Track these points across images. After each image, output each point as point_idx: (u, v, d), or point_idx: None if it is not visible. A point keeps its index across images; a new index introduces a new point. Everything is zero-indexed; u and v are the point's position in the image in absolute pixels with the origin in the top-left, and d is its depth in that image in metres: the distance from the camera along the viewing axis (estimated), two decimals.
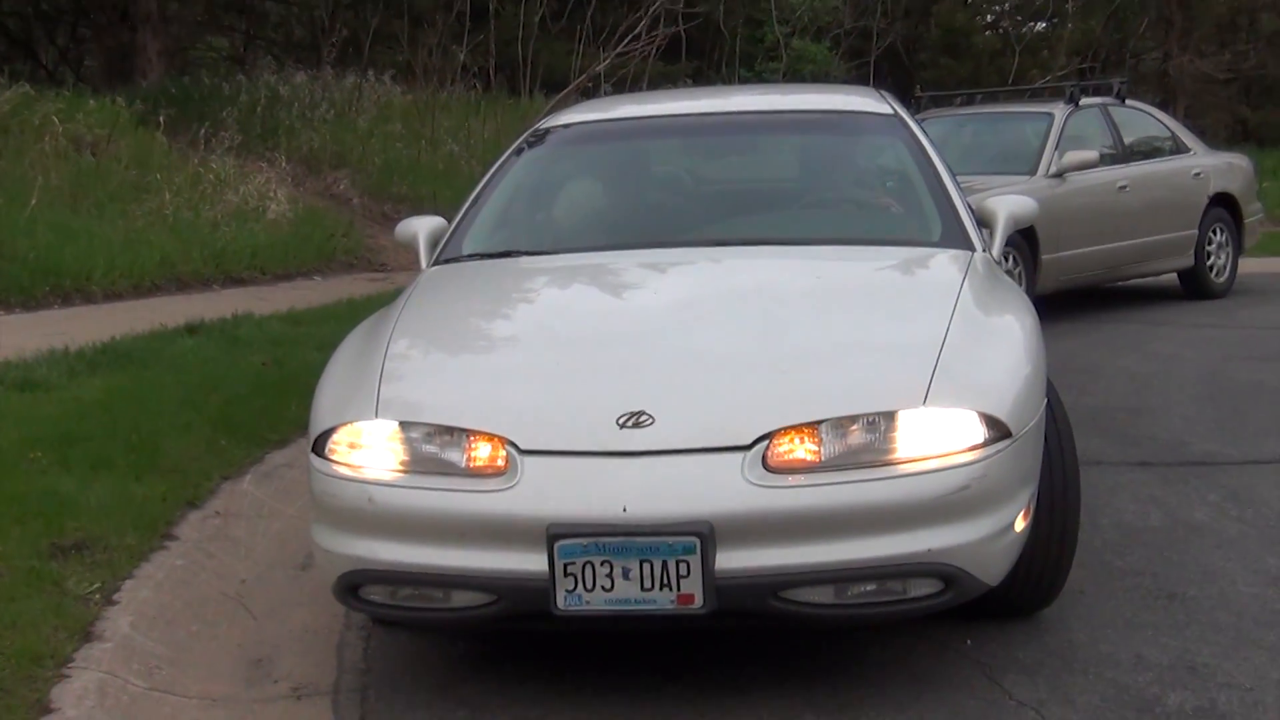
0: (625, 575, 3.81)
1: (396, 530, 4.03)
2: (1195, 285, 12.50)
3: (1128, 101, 12.73)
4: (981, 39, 29.61)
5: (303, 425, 7.00)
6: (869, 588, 3.90)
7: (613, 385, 4.15)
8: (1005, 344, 4.47)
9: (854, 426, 3.93)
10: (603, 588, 3.82)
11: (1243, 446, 6.91)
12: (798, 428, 3.92)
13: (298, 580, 5.32)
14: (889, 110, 6.22)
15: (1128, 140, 12.21)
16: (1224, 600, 4.80)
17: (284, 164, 16.27)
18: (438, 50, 19.93)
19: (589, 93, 19.30)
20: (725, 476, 3.85)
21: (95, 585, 4.98)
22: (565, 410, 4.10)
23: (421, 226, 5.94)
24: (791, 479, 3.86)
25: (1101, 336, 10.61)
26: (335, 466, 4.16)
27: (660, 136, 6.46)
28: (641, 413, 3.97)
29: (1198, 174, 12.42)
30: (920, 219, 5.58)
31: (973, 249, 5.26)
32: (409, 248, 6.00)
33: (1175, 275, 12.60)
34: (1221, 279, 12.64)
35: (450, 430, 4.08)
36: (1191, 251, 12.27)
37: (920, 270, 5.15)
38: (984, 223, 5.61)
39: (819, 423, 3.92)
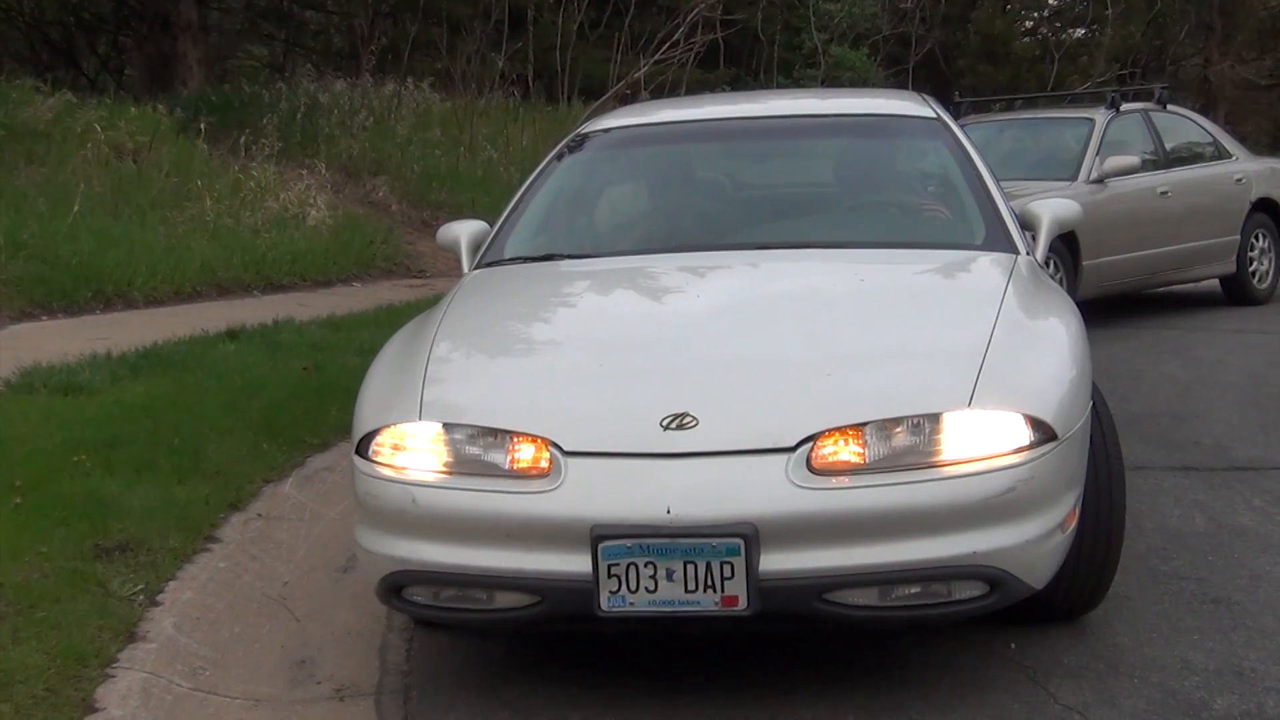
0: (669, 577, 3.81)
1: (440, 531, 4.04)
2: (1237, 291, 12.42)
3: (1169, 107, 12.66)
4: (1020, 45, 29.51)
5: (344, 429, 7.05)
6: (913, 590, 3.89)
7: (656, 388, 4.15)
8: (1050, 347, 4.44)
9: (898, 429, 3.91)
10: (646, 589, 3.82)
11: None
12: (842, 430, 3.90)
13: (340, 582, 5.34)
14: (931, 114, 6.20)
15: (1169, 146, 12.14)
16: (1270, 605, 4.76)
17: (324, 171, 16.33)
18: (476, 58, 19.99)
19: (627, 100, 19.29)
20: (769, 478, 3.84)
21: (139, 586, 5.01)
22: (609, 412, 4.10)
23: (463, 231, 5.93)
24: (835, 481, 3.84)
25: (1143, 342, 10.55)
26: (379, 468, 4.17)
27: (701, 140, 6.43)
28: (685, 414, 3.96)
29: (1239, 180, 12.35)
30: (964, 222, 5.56)
31: (1017, 252, 5.22)
32: (451, 251, 6.01)
33: (1217, 281, 12.54)
34: (1264, 285, 12.55)
35: (494, 432, 4.09)
36: (1233, 257, 12.19)
37: (964, 274, 5.13)
38: (1027, 226, 5.58)
39: (863, 425, 3.90)
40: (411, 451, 4.15)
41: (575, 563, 3.86)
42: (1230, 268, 12.23)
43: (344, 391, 7.55)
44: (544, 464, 3.99)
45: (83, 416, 7.04)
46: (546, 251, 5.62)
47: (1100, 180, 11.06)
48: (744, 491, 3.83)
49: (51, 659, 4.34)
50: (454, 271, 14.06)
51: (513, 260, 5.56)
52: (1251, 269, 12.44)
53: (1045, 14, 32.01)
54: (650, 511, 3.82)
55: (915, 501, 3.83)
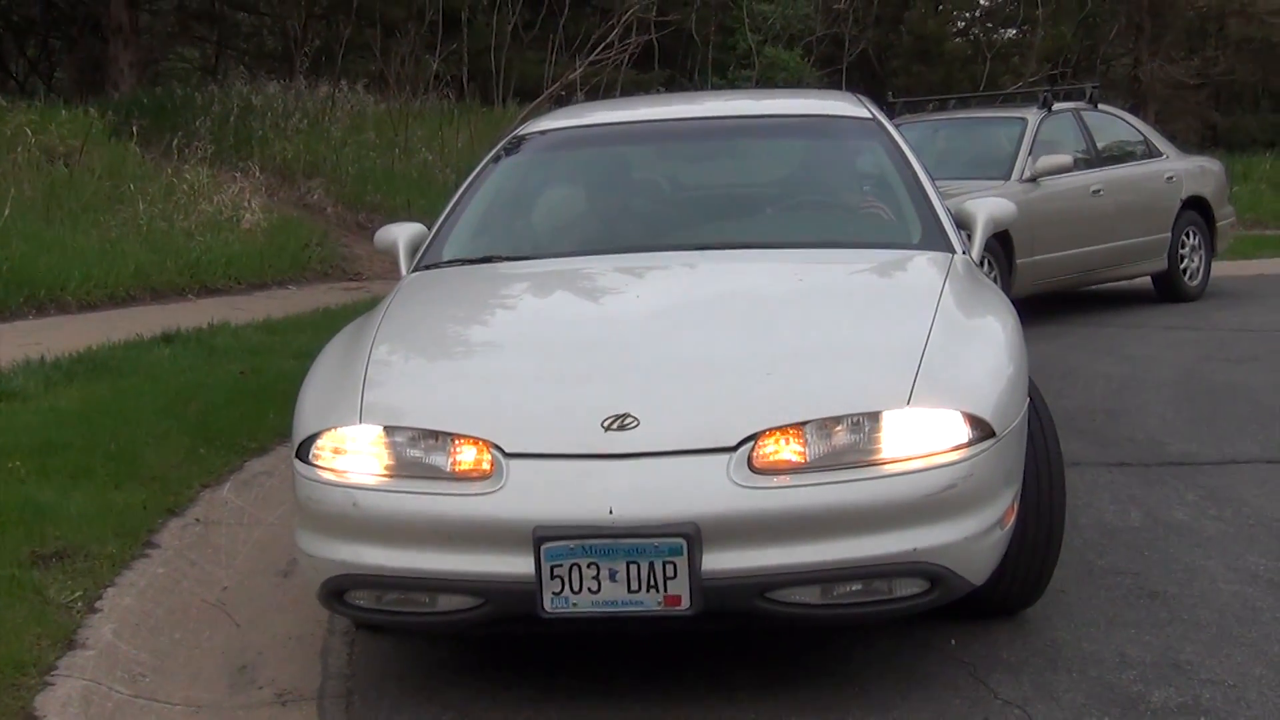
0: (612, 577, 3.81)
1: (381, 534, 4.03)
2: (1169, 288, 12.57)
3: (1100, 106, 12.78)
4: (952, 45, 29.74)
5: (282, 433, 7.03)
6: (855, 588, 3.90)
7: (596, 388, 4.14)
8: (987, 344, 4.48)
9: (839, 427, 3.93)
10: (589, 590, 3.82)
11: (1219, 447, 6.94)
12: (783, 429, 3.92)
13: (280, 587, 5.31)
14: (867, 114, 6.22)
15: (1100, 145, 12.26)
16: (1205, 598, 4.82)
17: (258, 174, 16.24)
18: (410, 59, 19.93)
19: (562, 101, 19.30)
20: (711, 478, 3.85)
21: (77, 593, 4.96)
22: (550, 414, 4.09)
23: (401, 233, 5.92)
24: (777, 480, 3.85)
25: (1077, 340, 10.65)
26: (319, 472, 4.15)
27: (638, 142, 6.41)
28: (626, 415, 3.97)
29: (1170, 178, 12.48)
30: (900, 222, 5.58)
31: (953, 251, 5.26)
32: (388, 254, 5.99)
33: (1149, 279, 12.67)
34: (1195, 282, 12.70)
35: (435, 434, 4.07)
36: (1165, 255, 12.34)
37: (900, 273, 5.16)
38: (963, 226, 5.62)
39: (804, 424, 3.92)
40: (352, 455, 4.13)
41: (518, 564, 3.86)
42: (1162, 265, 12.37)
43: (281, 395, 7.53)
44: (486, 466, 3.98)
45: (17, 423, 6.97)
46: (485, 254, 5.61)
47: (1033, 179, 11.16)
48: (686, 491, 3.83)
49: None
50: (391, 274, 14.04)
51: (451, 263, 5.55)
52: (1183, 266, 12.59)
53: (977, 14, 32.25)
54: (592, 512, 3.82)
55: (856, 499, 3.84)
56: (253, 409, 7.47)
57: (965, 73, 27.26)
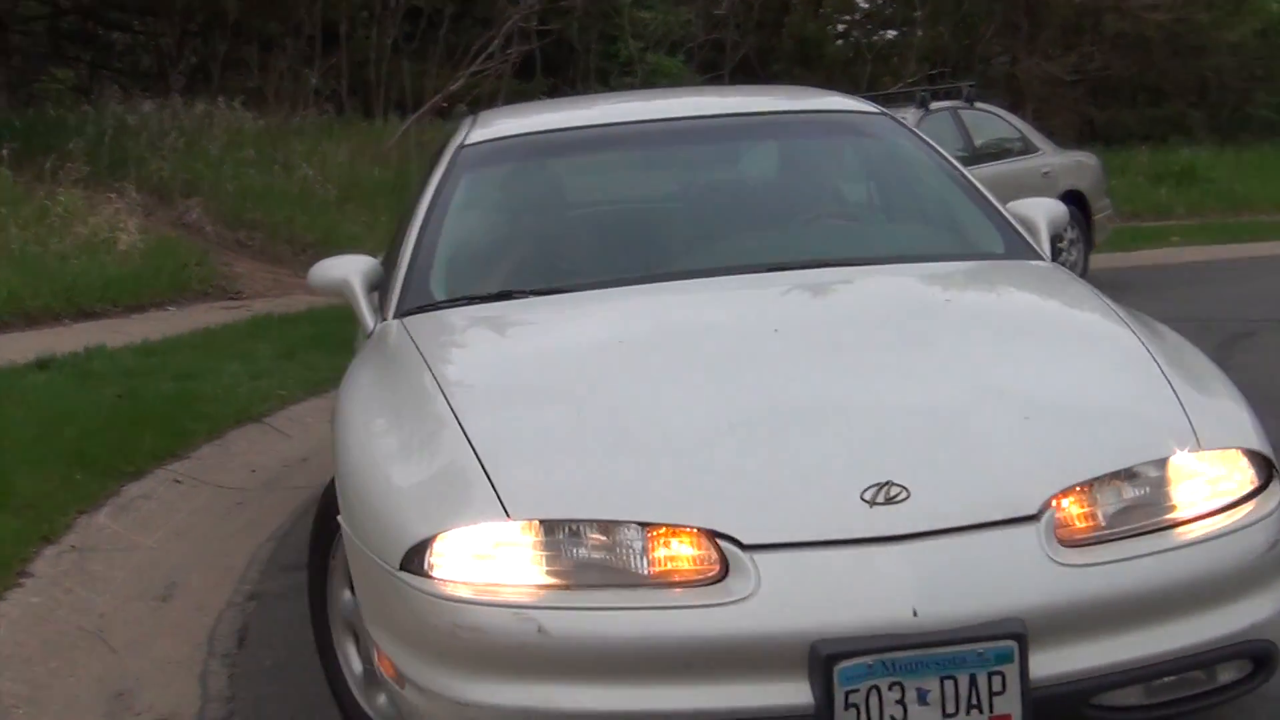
0: (922, 699, 3.00)
1: (581, 667, 3.09)
2: None
3: (977, 104, 12.93)
4: (833, 48, 29.96)
5: (159, 456, 6.91)
6: (1174, 680, 3.22)
7: (831, 451, 3.29)
8: (1202, 363, 3.86)
9: (1126, 480, 3.26)
10: (892, 717, 3.01)
11: None
12: (1079, 488, 3.21)
13: (158, 611, 5.21)
14: (874, 109, 5.57)
15: (978, 142, 12.41)
16: None
17: (134, 194, 15.95)
18: (289, 74, 19.74)
19: (444, 113, 19.26)
20: (1026, 558, 3.08)
21: None
22: (787, 488, 3.20)
23: (351, 269, 4.79)
24: (1089, 554, 3.14)
25: None
26: (458, 588, 3.16)
27: (635, 146, 5.46)
28: (889, 484, 3.16)
29: (1047, 173, 12.65)
30: (975, 228, 4.89)
31: (1044, 259, 4.69)
32: (332, 294, 4.92)
33: None
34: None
35: (620, 526, 3.17)
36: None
37: (1045, 288, 4.52)
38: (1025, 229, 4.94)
39: (1092, 481, 3.23)
40: (503, 562, 3.18)
41: (786, 693, 3.01)
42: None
43: (160, 418, 7.41)
44: (713, 565, 3.10)
45: None
46: (499, 289, 4.53)
47: None
48: (1003, 578, 3.06)
49: None
50: (272, 291, 13.86)
51: (453, 302, 4.49)
52: (1061, 259, 12.70)
53: (857, 17, 32.52)
54: (890, 615, 2.98)
55: (1181, 572, 3.16)
56: (130, 433, 7.32)
57: (846, 75, 27.44)
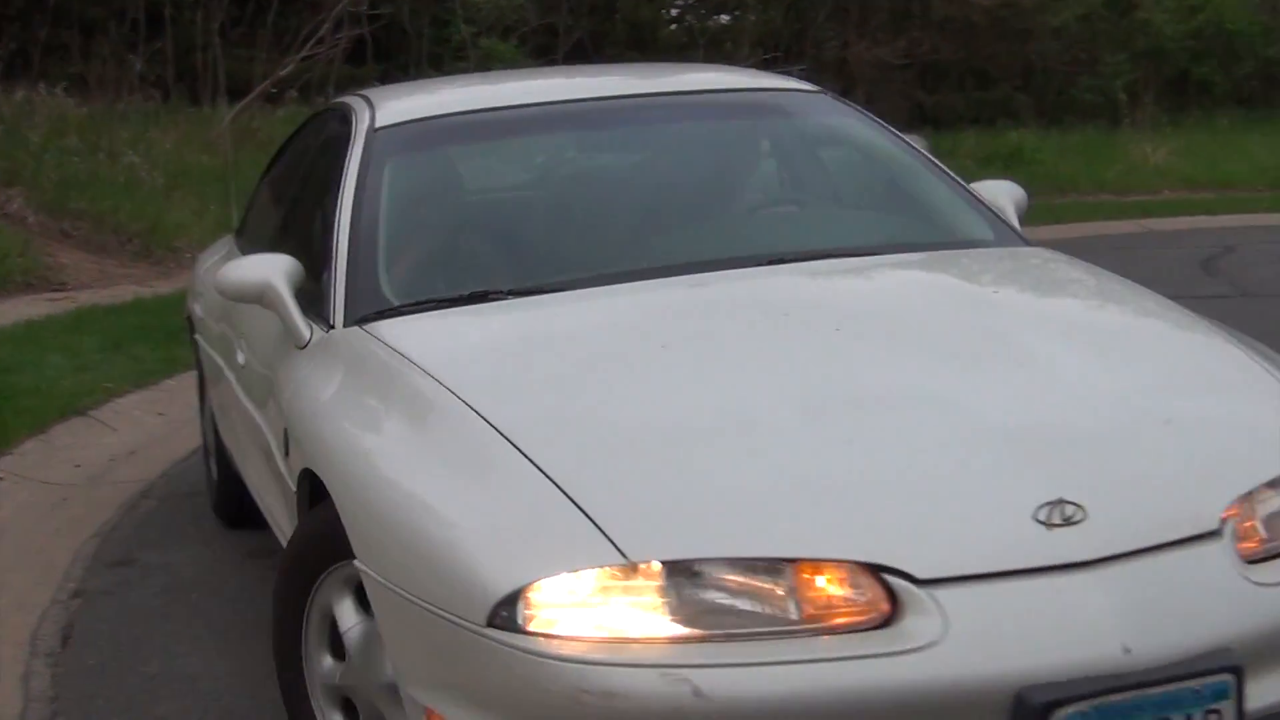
0: None
1: None
2: None
3: None
4: (667, 33, 30.03)
5: None
6: None
7: (984, 466, 2.93)
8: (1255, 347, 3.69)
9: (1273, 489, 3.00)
10: None
11: None
12: (1245, 498, 2.95)
13: None
14: (812, 87, 5.32)
15: None
16: None
17: None
18: (112, 60, 19.29)
19: (274, 99, 18.97)
20: (1222, 578, 2.81)
21: None
22: (950, 510, 2.82)
23: (274, 271, 4.15)
24: (1273, 570, 2.89)
25: None
26: (566, 645, 2.67)
27: (581, 127, 4.98)
28: (1061, 502, 2.81)
29: None
30: (959, 214, 4.65)
31: (1030, 244, 4.53)
32: (245, 300, 4.25)
33: None
34: None
35: (769, 564, 2.72)
36: None
37: (1070, 274, 4.35)
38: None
39: (1256, 489, 2.97)
40: (621, 612, 2.71)
41: None
42: None
43: None
44: (881, 603, 2.70)
45: None
46: (471, 289, 4.00)
47: None
48: (1206, 603, 2.77)
49: None
50: (98, 283, 13.51)
51: (417, 307, 3.94)
52: None
53: (690, 1, 32.65)
54: (1100, 653, 2.65)
55: None
56: None
57: (681, 59, 27.54)
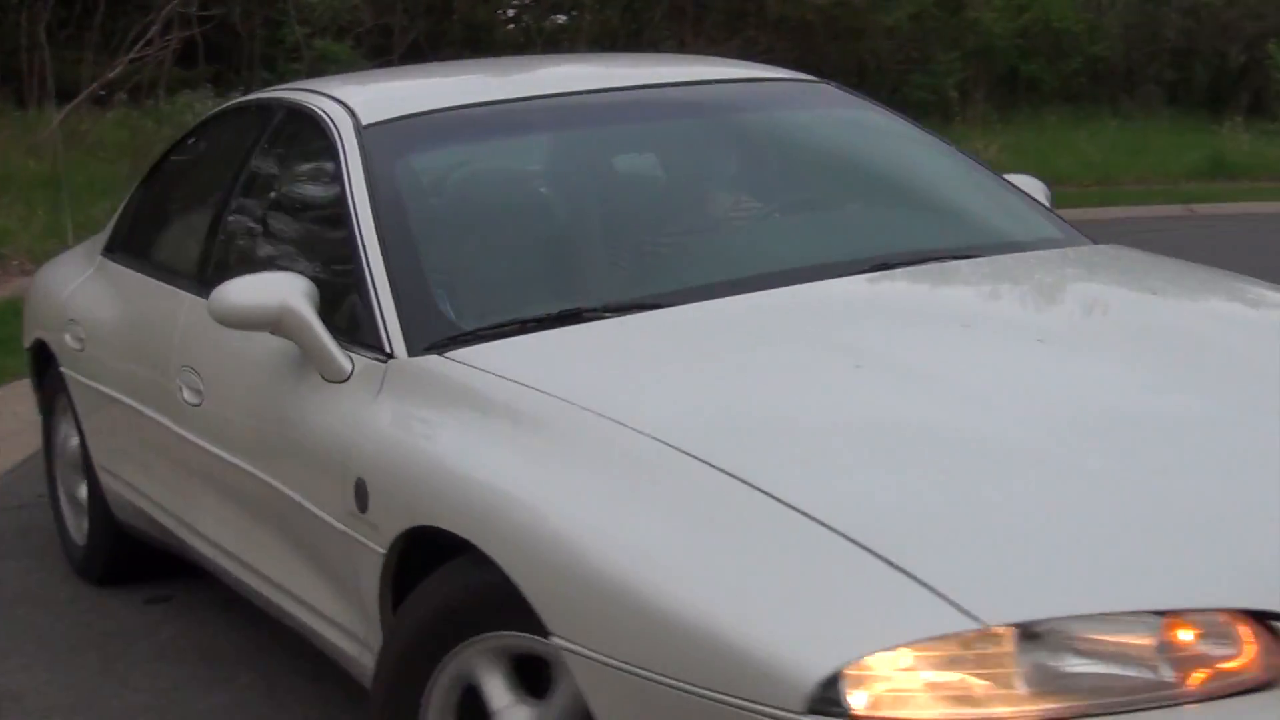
0: None
1: None
2: None
3: None
4: (504, 33, 29.90)
5: None
6: None
7: None
8: None
9: None
10: None
11: None
12: None
13: None
14: (812, 76, 5.09)
15: None
16: None
17: None
18: None
19: (103, 101, 18.59)
20: None
21: None
22: None
23: (292, 293, 3.60)
24: None
25: None
26: None
27: (611, 122, 4.52)
28: None
29: None
30: (1017, 212, 4.42)
31: (1093, 242, 4.30)
32: (261, 326, 3.64)
33: None
34: None
35: (1135, 619, 2.34)
36: None
37: (1173, 269, 4.15)
38: None
39: None
40: (970, 686, 2.30)
41: None
42: None
43: None
44: (1274, 658, 2.34)
45: None
46: (558, 309, 3.55)
47: None
48: None
49: None
50: None
51: (497, 330, 3.47)
52: None
53: (527, 2, 32.57)
54: None
55: None
56: None
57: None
